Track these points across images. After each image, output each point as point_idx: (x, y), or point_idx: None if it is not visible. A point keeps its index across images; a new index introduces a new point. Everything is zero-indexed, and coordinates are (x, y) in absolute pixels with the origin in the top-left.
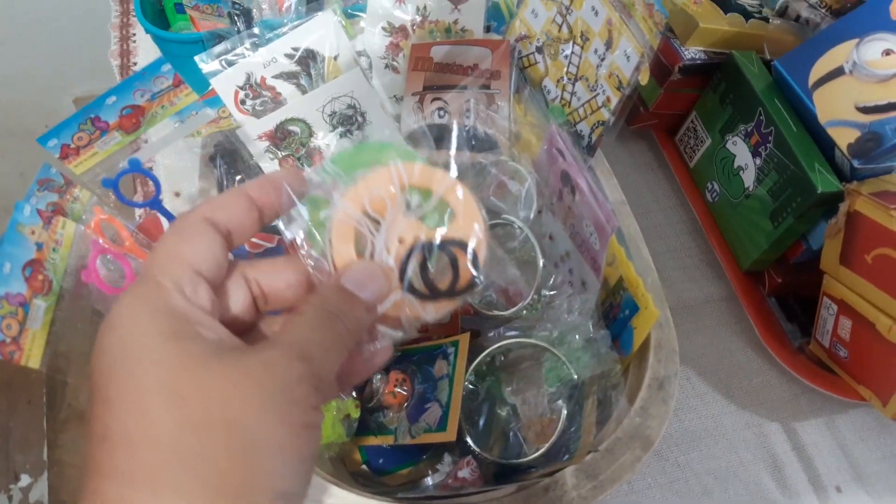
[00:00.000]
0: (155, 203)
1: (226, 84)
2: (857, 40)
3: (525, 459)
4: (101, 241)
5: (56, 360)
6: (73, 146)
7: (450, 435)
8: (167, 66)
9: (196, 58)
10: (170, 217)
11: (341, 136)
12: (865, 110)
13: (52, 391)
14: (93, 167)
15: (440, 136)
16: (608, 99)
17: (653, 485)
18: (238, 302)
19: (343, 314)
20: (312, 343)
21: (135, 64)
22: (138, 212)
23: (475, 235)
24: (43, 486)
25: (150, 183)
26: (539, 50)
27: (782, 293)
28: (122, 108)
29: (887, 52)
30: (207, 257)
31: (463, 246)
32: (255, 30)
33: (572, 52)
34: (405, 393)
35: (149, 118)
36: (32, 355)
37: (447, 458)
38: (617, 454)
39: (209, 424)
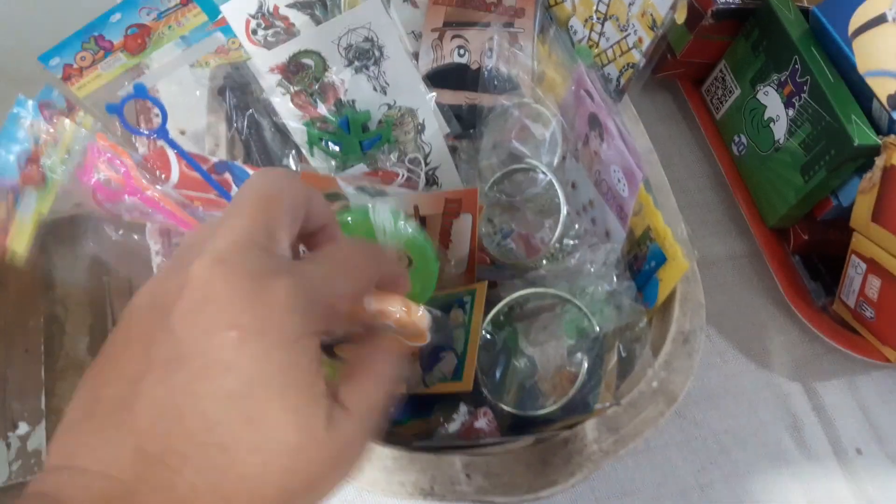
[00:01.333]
0: (162, 132)
1: (237, 12)
2: None
3: (542, 412)
4: (99, 143)
5: (53, 306)
6: (76, 66)
7: (466, 385)
8: None
9: None
10: (176, 147)
11: (357, 71)
12: None
13: (49, 340)
14: (96, 90)
15: (460, 76)
16: (640, 40)
17: (670, 442)
18: None
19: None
20: (378, 424)
21: None
22: (141, 148)
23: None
24: (41, 434)
25: (155, 113)
26: None
27: (807, 251)
28: (127, 27)
29: None
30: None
31: None
32: None
33: None
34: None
35: (155, 39)
36: (18, 242)
37: (463, 407)
38: (640, 408)
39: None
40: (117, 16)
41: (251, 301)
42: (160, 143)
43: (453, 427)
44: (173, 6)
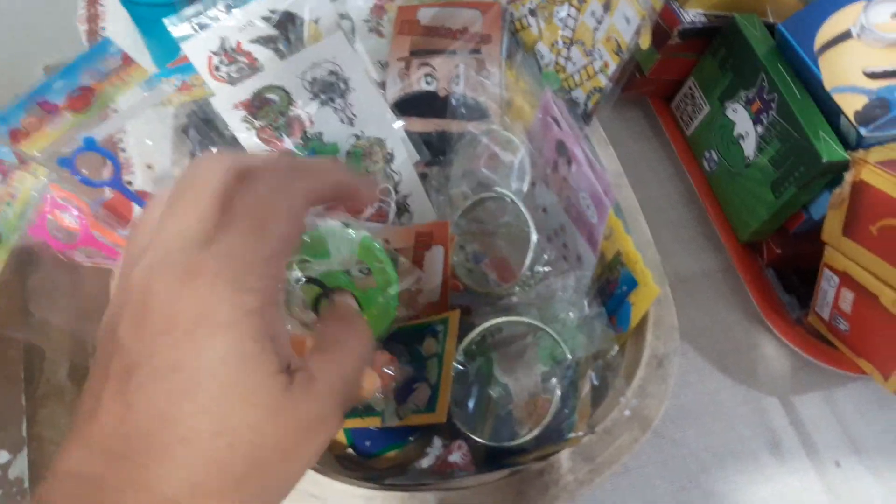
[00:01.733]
0: (115, 183)
1: (198, 49)
2: (864, 2)
3: (516, 442)
4: (55, 196)
5: (32, 333)
6: (22, 130)
7: (439, 416)
8: (114, 47)
9: (165, 20)
10: (131, 196)
11: (323, 104)
12: (873, 76)
13: (29, 367)
14: (47, 146)
15: (428, 104)
16: (606, 64)
17: (648, 462)
18: None
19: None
20: (350, 395)
21: (103, 29)
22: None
23: None
24: (23, 462)
25: (120, 154)
26: (532, 12)
27: (781, 264)
28: (69, 91)
29: None
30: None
31: None
32: None
33: (567, 15)
34: (391, 374)
35: (98, 96)
36: None
37: (437, 441)
38: (615, 435)
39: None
40: (60, 83)
41: (184, 297)
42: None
43: (427, 462)
44: (115, 67)
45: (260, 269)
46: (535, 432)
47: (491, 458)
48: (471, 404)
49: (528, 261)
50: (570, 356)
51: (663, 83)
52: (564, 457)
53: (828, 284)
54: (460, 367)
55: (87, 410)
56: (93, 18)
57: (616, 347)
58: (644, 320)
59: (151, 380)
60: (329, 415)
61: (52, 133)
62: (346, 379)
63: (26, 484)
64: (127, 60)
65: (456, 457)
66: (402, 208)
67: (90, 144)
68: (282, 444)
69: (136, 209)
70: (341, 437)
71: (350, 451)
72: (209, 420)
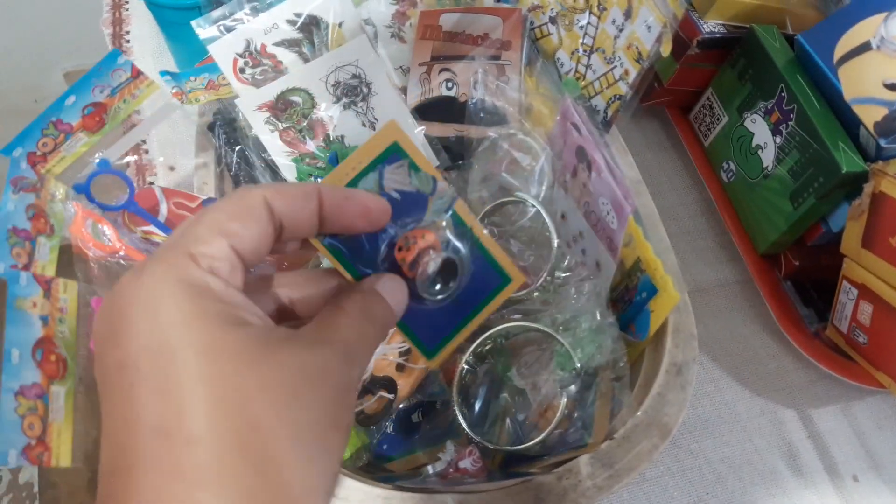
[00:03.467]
0: (130, 205)
1: (224, 51)
2: (885, 14)
3: (522, 447)
4: (101, 297)
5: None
6: (38, 153)
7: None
8: (122, 58)
9: (193, 23)
10: (146, 217)
11: (345, 107)
12: (893, 87)
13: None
14: (62, 172)
15: (448, 109)
16: (626, 72)
17: (665, 472)
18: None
19: (378, 318)
20: (358, 345)
21: (127, 33)
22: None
23: None
24: (32, 468)
25: (143, 156)
26: (552, 20)
27: (799, 277)
28: (83, 108)
29: None
30: (254, 243)
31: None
32: None
33: (588, 23)
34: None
35: (112, 114)
36: (62, 453)
37: (450, 446)
38: (634, 442)
39: (258, 430)
40: (72, 98)
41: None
42: (147, 186)
43: (439, 466)
44: (124, 80)
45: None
46: (541, 437)
47: (506, 464)
48: (477, 406)
49: (549, 266)
50: (578, 364)
51: (682, 94)
52: (583, 462)
53: (846, 297)
54: (469, 367)
55: None
56: (117, 22)
57: (625, 361)
58: (663, 328)
59: (131, 386)
60: (337, 365)
61: (68, 157)
62: (361, 338)
63: (36, 489)
64: (136, 72)
65: (467, 463)
66: None
67: (104, 167)
68: (270, 395)
69: (164, 207)
70: (359, 438)
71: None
72: (180, 416)
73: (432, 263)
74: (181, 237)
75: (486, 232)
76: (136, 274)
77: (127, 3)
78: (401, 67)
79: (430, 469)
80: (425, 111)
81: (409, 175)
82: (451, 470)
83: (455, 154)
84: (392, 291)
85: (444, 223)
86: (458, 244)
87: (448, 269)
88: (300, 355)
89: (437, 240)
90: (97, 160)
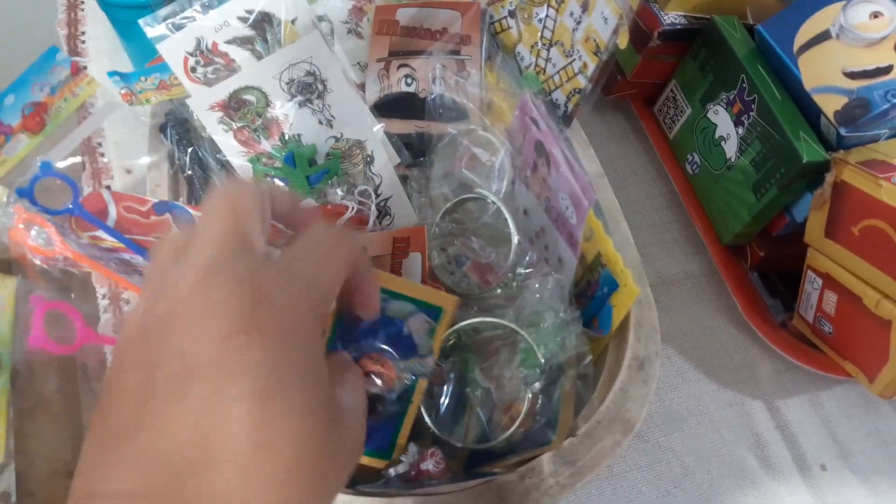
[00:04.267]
0: (75, 208)
1: (174, 50)
2: (843, 3)
3: (486, 445)
4: (43, 296)
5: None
6: None
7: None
8: (61, 54)
9: (140, 21)
10: (92, 220)
11: (300, 105)
12: (853, 76)
13: (16, 378)
14: (4, 176)
15: (408, 105)
16: (585, 65)
17: (633, 467)
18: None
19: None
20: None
21: (83, 33)
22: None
23: None
24: (10, 476)
25: (99, 159)
26: (511, 14)
27: (764, 267)
28: (23, 108)
29: (875, 15)
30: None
31: None
32: None
33: (546, 16)
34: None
35: (53, 114)
36: None
37: (412, 448)
38: (596, 438)
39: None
40: (10, 98)
41: (248, 305)
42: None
43: (401, 468)
44: (64, 78)
45: (323, 290)
46: (505, 435)
47: (470, 464)
48: (450, 407)
49: (509, 262)
50: (542, 360)
51: (645, 86)
52: (546, 460)
53: (811, 287)
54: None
55: (125, 423)
56: (73, 23)
57: (590, 357)
58: (625, 322)
59: (218, 386)
60: (355, 440)
61: (10, 160)
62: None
63: (13, 498)
64: (75, 69)
65: (429, 464)
66: (383, 211)
67: (47, 169)
68: (318, 464)
69: (113, 210)
70: None
71: None
72: (263, 432)
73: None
74: (228, 239)
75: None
76: (206, 275)
77: (82, 3)
78: (358, 64)
79: (391, 472)
80: (385, 108)
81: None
82: (412, 472)
83: (416, 151)
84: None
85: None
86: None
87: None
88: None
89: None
90: (39, 162)
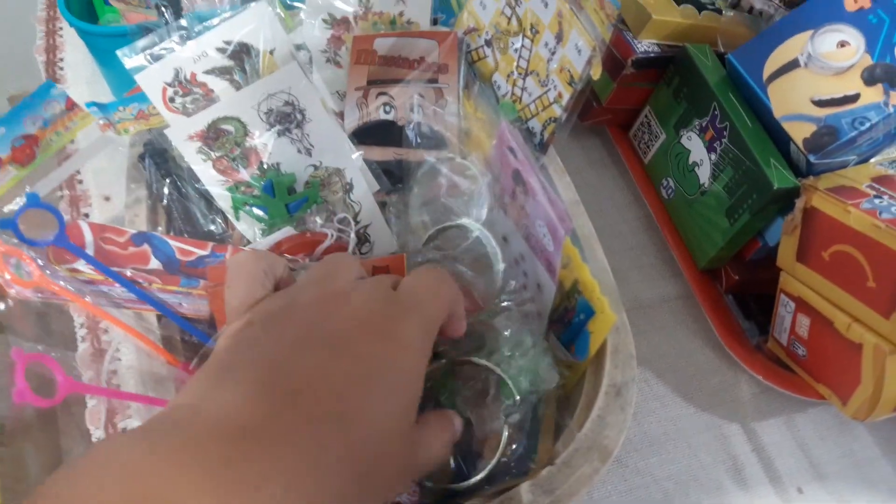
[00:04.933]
0: (59, 239)
1: (152, 80)
2: (811, 32)
3: (466, 484)
4: (21, 349)
5: None
6: None
7: None
8: (57, 89)
9: (118, 52)
10: (78, 252)
11: (279, 134)
12: (821, 104)
13: (1, 434)
14: None
15: (387, 132)
16: (560, 94)
17: (613, 492)
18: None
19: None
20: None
21: (61, 60)
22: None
23: None
24: None
25: (77, 186)
26: (488, 43)
27: (739, 291)
28: (12, 140)
29: (842, 44)
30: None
31: None
32: (184, 22)
33: (522, 46)
34: None
35: (43, 146)
36: None
37: None
38: (574, 466)
39: None
40: (1, 130)
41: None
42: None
43: None
44: (59, 112)
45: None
46: (486, 471)
47: (447, 496)
48: None
49: (497, 288)
50: (516, 394)
51: (620, 112)
52: (524, 490)
53: (784, 310)
54: None
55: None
56: (51, 49)
57: (555, 382)
58: (602, 349)
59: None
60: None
61: None
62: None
63: None
64: (70, 104)
65: (403, 497)
66: (363, 238)
67: (33, 201)
68: (390, 458)
69: (90, 240)
70: None
71: None
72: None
73: None
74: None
75: None
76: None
77: (61, 28)
78: (337, 92)
79: None
80: (363, 135)
81: None
82: None
83: (395, 177)
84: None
85: None
86: None
87: None
88: None
89: None
90: (25, 195)
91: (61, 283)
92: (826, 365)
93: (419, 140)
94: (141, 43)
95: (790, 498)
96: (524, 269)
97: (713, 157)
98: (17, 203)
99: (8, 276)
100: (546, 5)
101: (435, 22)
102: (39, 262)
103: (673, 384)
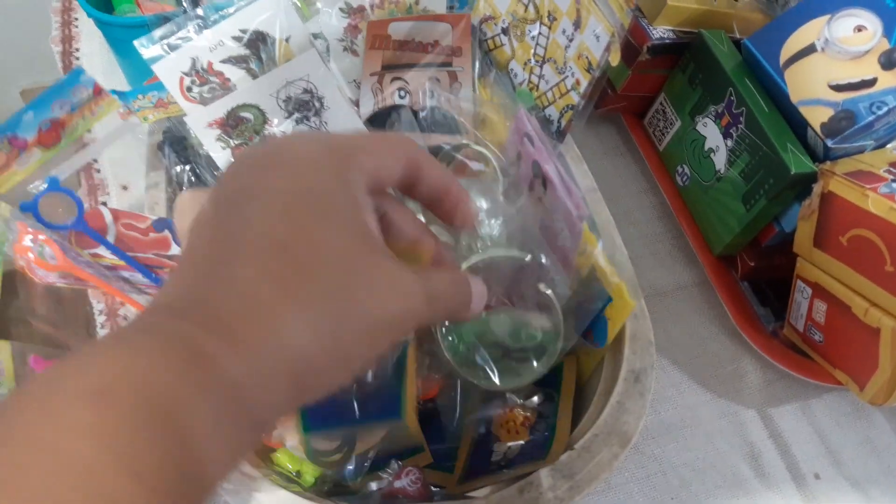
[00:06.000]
0: (78, 224)
1: (169, 70)
2: (828, 16)
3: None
4: (40, 356)
5: None
6: None
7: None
8: (86, 75)
9: (136, 42)
10: (96, 237)
11: (298, 122)
12: (838, 88)
13: None
14: (13, 188)
15: (398, 118)
16: (577, 82)
17: (630, 479)
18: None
19: (458, 298)
20: (431, 302)
21: (77, 50)
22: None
23: None
24: None
25: (94, 175)
26: (505, 31)
27: (755, 277)
28: (40, 123)
29: (859, 28)
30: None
31: None
32: (200, 11)
33: (539, 33)
34: None
35: (69, 131)
36: None
37: (394, 464)
38: (594, 452)
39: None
40: (30, 114)
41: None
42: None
43: (377, 485)
44: (86, 98)
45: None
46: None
47: (467, 476)
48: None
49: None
50: (538, 373)
51: (635, 99)
52: (544, 474)
53: (801, 296)
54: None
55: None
56: (67, 39)
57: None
58: (621, 335)
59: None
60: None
61: (21, 172)
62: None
63: None
64: (98, 90)
65: (403, 483)
66: None
67: (54, 185)
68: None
69: (112, 227)
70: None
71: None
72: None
73: None
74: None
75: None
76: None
77: (76, 19)
78: (354, 81)
79: (367, 488)
80: (379, 121)
81: None
82: (387, 489)
83: None
84: (479, 293)
85: None
86: None
87: None
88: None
89: None
90: (46, 179)
91: (84, 267)
92: (843, 350)
93: (433, 127)
94: (158, 33)
95: (807, 484)
96: (540, 260)
97: (729, 143)
98: (39, 187)
99: (31, 256)
100: None
101: (451, 10)
102: (63, 246)
103: (689, 371)
